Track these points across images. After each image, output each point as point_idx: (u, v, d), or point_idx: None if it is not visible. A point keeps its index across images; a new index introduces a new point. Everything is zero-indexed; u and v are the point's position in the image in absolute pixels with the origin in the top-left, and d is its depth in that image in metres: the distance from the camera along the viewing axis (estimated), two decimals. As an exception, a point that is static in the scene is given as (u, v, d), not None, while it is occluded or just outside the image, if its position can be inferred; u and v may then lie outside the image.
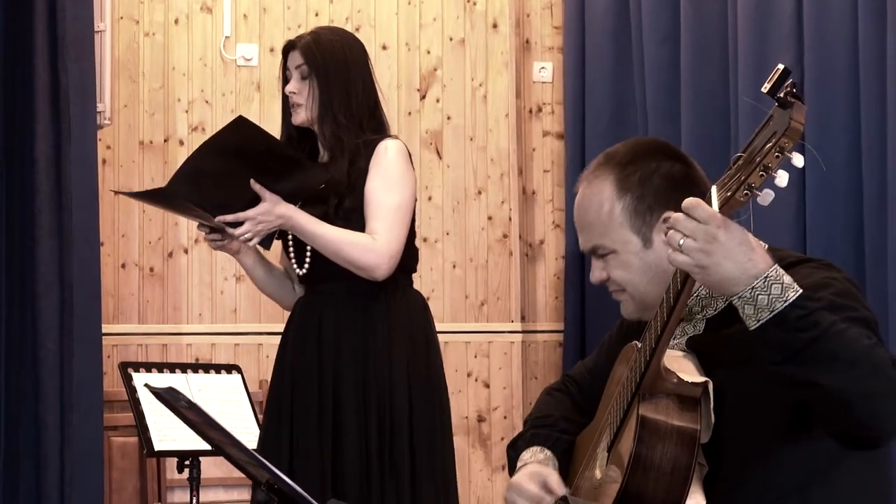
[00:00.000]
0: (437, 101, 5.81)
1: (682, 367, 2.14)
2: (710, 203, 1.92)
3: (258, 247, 3.59)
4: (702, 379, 2.11)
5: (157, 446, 3.99)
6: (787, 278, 1.92)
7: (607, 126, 5.65)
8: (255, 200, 3.45)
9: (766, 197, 1.88)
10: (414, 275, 3.68)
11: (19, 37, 4.54)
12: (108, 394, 4.89)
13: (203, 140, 3.54)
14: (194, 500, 4.04)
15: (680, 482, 2.06)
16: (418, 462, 3.51)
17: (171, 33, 5.55)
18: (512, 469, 2.46)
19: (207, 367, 4.35)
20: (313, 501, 2.11)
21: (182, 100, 5.54)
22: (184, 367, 4.26)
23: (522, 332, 5.85)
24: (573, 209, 2.36)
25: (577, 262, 5.71)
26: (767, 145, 1.85)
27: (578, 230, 2.32)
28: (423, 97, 5.79)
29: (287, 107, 3.64)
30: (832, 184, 4.39)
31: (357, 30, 5.59)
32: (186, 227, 5.39)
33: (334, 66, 3.56)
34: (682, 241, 1.92)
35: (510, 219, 5.85)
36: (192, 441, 3.76)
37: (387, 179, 3.52)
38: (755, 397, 2.11)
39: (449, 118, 5.82)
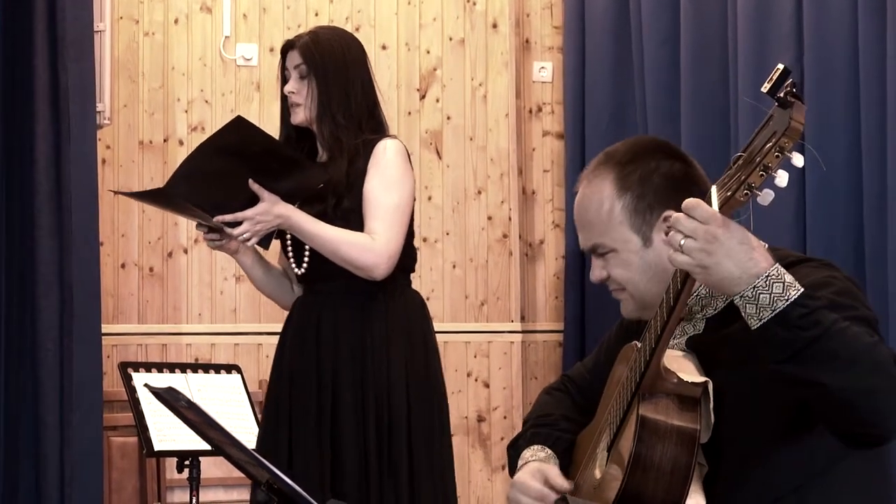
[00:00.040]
0: (437, 100, 5.81)
1: (682, 366, 2.14)
2: (709, 203, 1.92)
3: (257, 246, 3.59)
4: (702, 379, 2.11)
5: (157, 446, 3.99)
6: (789, 277, 1.92)
7: (607, 126, 5.65)
8: (254, 200, 3.45)
9: (766, 197, 1.88)
10: (412, 275, 3.68)
11: (19, 37, 4.55)
12: (108, 394, 4.89)
13: (202, 140, 3.54)
14: (194, 500, 4.04)
15: (680, 482, 2.06)
16: (416, 461, 3.51)
17: (171, 33, 5.55)
18: (512, 469, 2.46)
19: (207, 367, 4.35)
20: (313, 501, 2.11)
21: (182, 99, 5.54)
22: (183, 367, 4.26)
23: (522, 332, 5.85)
24: (573, 208, 2.36)
25: (577, 262, 5.71)
26: (767, 145, 1.85)
27: (578, 229, 2.33)
28: (422, 97, 5.79)
29: (286, 107, 3.64)
30: (832, 184, 4.39)
31: (357, 30, 5.59)
32: (186, 228, 5.39)
33: (333, 65, 3.56)
34: (682, 242, 1.92)
35: (510, 219, 5.85)
36: (191, 441, 3.76)
37: (385, 179, 3.52)
38: (755, 397, 2.11)
39: (449, 118, 5.82)
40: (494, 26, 5.88)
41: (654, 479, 2.06)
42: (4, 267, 4.53)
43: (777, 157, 1.85)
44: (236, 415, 4.12)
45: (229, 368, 4.31)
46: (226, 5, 5.58)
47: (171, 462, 4.26)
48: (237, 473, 2.69)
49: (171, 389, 2.27)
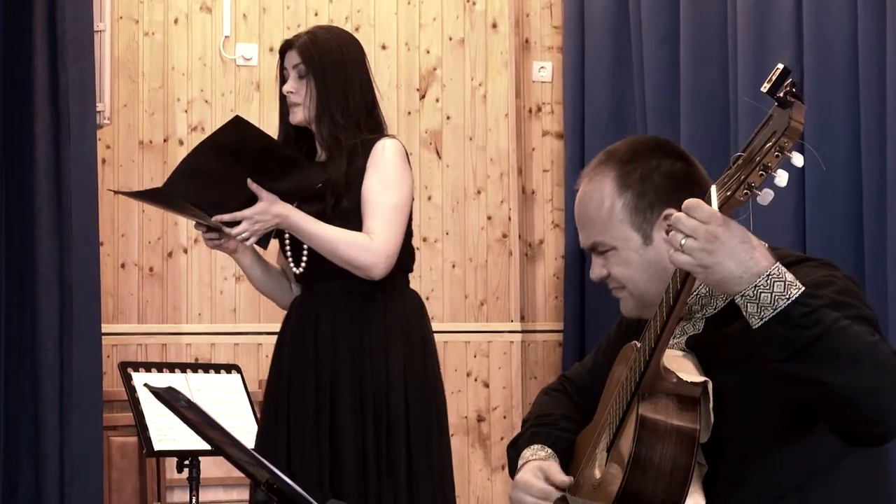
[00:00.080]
0: (437, 100, 5.81)
1: (682, 366, 2.14)
2: (709, 203, 1.92)
3: (255, 246, 3.60)
4: (701, 379, 2.11)
5: (157, 446, 3.99)
6: (790, 276, 1.92)
7: (607, 126, 5.65)
8: (252, 200, 3.46)
9: (765, 196, 1.89)
10: (410, 274, 3.68)
11: (19, 37, 4.54)
12: (108, 393, 4.89)
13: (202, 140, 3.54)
14: (194, 500, 4.04)
15: (679, 482, 2.06)
16: (415, 461, 3.51)
17: (171, 33, 5.55)
18: (512, 469, 2.46)
19: (207, 367, 4.35)
20: (313, 501, 2.11)
21: (181, 99, 5.54)
22: (183, 367, 4.26)
23: (522, 331, 5.85)
24: (574, 206, 2.37)
25: (577, 261, 5.71)
26: (767, 145, 1.85)
27: (579, 227, 2.33)
28: (422, 97, 5.79)
29: (284, 106, 3.64)
30: (832, 183, 4.39)
31: (356, 29, 5.59)
32: (186, 227, 5.39)
33: (331, 65, 3.56)
34: (683, 242, 1.92)
35: (510, 218, 5.85)
36: (191, 441, 3.76)
37: (384, 179, 3.52)
38: (755, 397, 2.11)
39: (448, 118, 5.82)
40: (494, 26, 5.88)
41: (653, 478, 2.06)
42: (4, 267, 4.53)
43: (777, 156, 1.85)
44: (236, 415, 4.12)
45: (229, 368, 4.31)
46: (226, 5, 5.58)
47: (171, 462, 4.26)
48: (237, 473, 2.69)
49: (170, 389, 2.27)
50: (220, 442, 2.31)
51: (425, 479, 3.52)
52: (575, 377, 2.61)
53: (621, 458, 2.11)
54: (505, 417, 5.77)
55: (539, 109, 5.98)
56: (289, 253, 3.61)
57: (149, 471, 4.90)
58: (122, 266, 5.44)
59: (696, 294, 2.25)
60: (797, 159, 1.87)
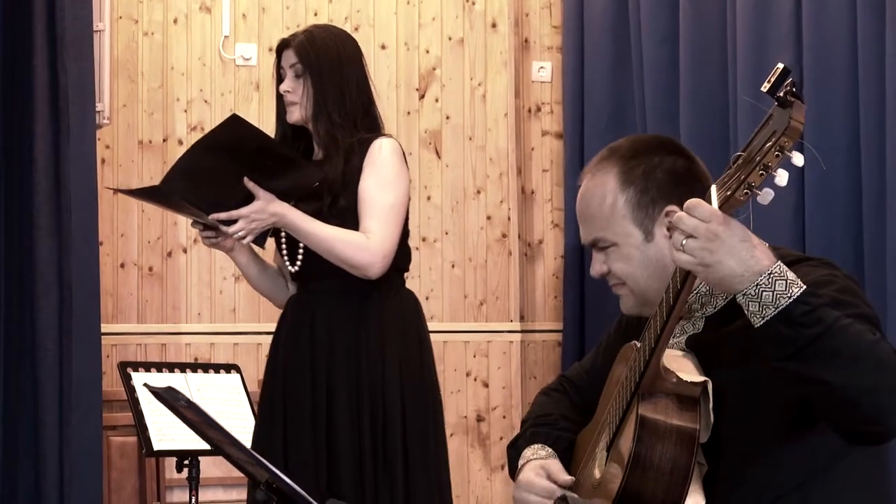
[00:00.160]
0: (436, 100, 5.81)
1: (682, 366, 2.14)
2: (710, 202, 1.93)
3: (252, 245, 3.60)
4: (701, 378, 2.11)
5: (157, 446, 3.99)
6: (791, 275, 1.92)
7: (606, 126, 5.65)
8: (249, 198, 3.46)
9: (765, 196, 1.89)
10: (406, 274, 3.68)
11: (18, 36, 4.54)
12: (107, 393, 4.89)
13: (200, 139, 3.55)
14: (193, 500, 4.04)
15: (679, 482, 2.06)
16: (412, 460, 3.51)
17: (170, 33, 5.54)
18: (513, 468, 2.47)
19: (206, 367, 4.35)
20: (312, 501, 2.11)
21: (181, 99, 5.54)
22: (183, 367, 4.26)
23: (521, 331, 5.85)
24: (575, 203, 2.37)
25: (576, 261, 5.71)
26: (767, 144, 1.85)
27: (580, 223, 2.33)
28: (422, 97, 5.79)
29: (281, 105, 3.64)
30: (831, 183, 4.39)
31: (356, 29, 5.59)
32: (185, 227, 5.38)
33: (328, 64, 3.56)
34: (684, 241, 1.93)
35: (509, 218, 5.85)
36: (191, 440, 3.76)
37: (381, 178, 3.52)
38: (755, 396, 2.11)
39: (448, 118, 5.82)
40: (493, 26, 5.88)
41: (653, 478, 2.06)
42: (4, 266, 4.52)
43: (777, 156, 1.85)
44: (235, 414, 4.12)
45: (228, 368, 4.31)
46: (225, 5, 5.58)
47: (171, 462, 4.26)
48: (236, 473, 2.69)
49: (170, 389, 2.27)
50: (220, 442, 2.31)
51: (422, 479, 3.52)
52: (574, 377, 2.61)
53: (621, 458, 2.12)
54: (504, 417, 5.77)
55: (538, 109, 5.98)
56: (285, 251, 3.61)
57: (148, 471, 4.90)
58: (122, 266, 5.44)
59: (696, 293, 2.25)
60: (797, 159, 1.87)
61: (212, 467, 4.53)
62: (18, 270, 4.51)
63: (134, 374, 4.04)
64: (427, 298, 5.59)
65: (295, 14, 5.65)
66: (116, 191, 4.23)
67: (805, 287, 1.92)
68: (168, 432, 3.98)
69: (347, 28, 4.94)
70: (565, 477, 2.33)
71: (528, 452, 2.43)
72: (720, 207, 1.91)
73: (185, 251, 5.49)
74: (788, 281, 1.91)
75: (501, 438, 5.67)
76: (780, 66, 1.87)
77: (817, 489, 2.11)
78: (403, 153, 3.62)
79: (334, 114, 3.54)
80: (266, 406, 3.59)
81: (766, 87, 1.87)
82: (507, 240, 5.84)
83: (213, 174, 3.43)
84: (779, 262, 1.93)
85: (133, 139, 5.48)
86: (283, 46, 3.64)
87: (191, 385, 4.14)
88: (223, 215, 3.46)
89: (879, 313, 2.14)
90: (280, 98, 3.64)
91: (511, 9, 5.90)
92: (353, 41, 3.67)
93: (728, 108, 4.88)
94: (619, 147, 2.32)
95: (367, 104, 3.62)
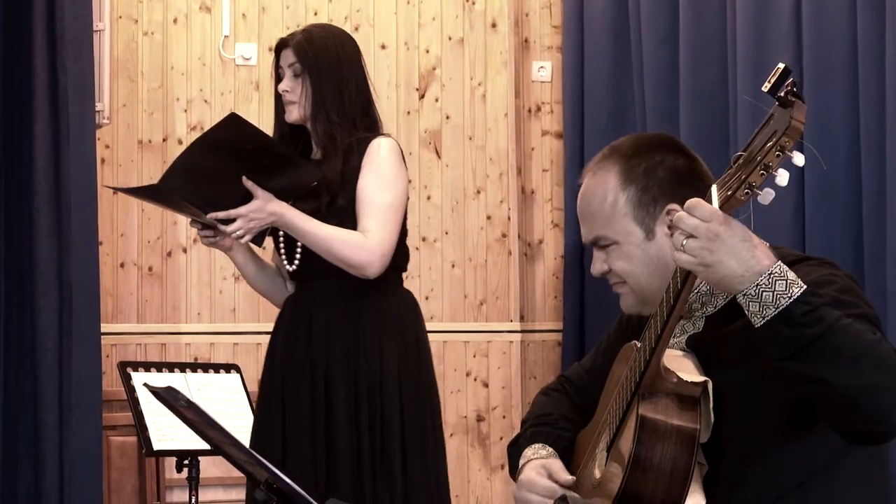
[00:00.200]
0: (436, 100, 5.80)
1: (682, 366, 2.14)
2: (710, 202, 1.92)
3: (250, 244, 3.60)
4: (701, 378, 2.11)
5: (156, 446, 3.99)
6: (791, 274, 1.92)
7: (606, 125, 5.65)
8: (248, 197, 3.46)
9: (766, 196, 1.89)
10: (405, 274, 3.68)
11: (18, 36, 4.54)
12: (107, 393, 4.89)
13: (199, 138, 3.55)
14: (193, 500, 4.04)
15: (679, 482, 2.06)
16: (410, 460, 3.51)
17: (170, 33, 5.54)
18: (513, 468, 2.46)
19: (206, 367, 4.35)
20: (312, 501, 2.11)
21: (181, 99, 5.53)
22: (183, 367, 4.26)
23: (521, 331, 5.85)
24: (575, 203, 2.37)
25: (576, 261, 5.71)
26: (768, 144, 1.85)
27: (581, 221, 2.33)
28: (422, 96, 5.79)
29: (280, 104, 3.65)
30: (831, 182, 4.39)
31: (356, 29, 5.59)
32: (185, 227, 5.38)
33: (327, 63, 3.56)
34: (684, 241, 1.92)
35: (509, 218, 5.85)
36: (191, 440, 3.76)
37: (379, 178, 3.52)
38: (755, 396, 2.11)
39: (448, 117, 5.81)
40: (493, 26, 5.88)
41: (653, 479, 2.06)
42: (4, 266, 4.52)
43: (778, 156, 1.85)
44: (235, 414, 4.12)
45: (228, 368, 4.31)
46: (225, 5, 5.58)
47: (171, 461, 4.26)
48: (236, 473, 2.69)
49: (170, 389, 2.27)
50: (220, 441, 2.31)
51: (420, 478, 3.52)
52: (574, 377, 2.61)
53: (621, 458, 2.11)
54: (504, 417, 5.77)
55: (538, 109, 5.98)
56: (283, 250, 3.61)
57: (148, 470, 4.90)
58: (122, 266, 5.44)
59: (697, 292, 2.25)
60: (798, 159, 1.87)
61: (212, 467, 4.53)
62: (18, 270, 4.51)
63: (134, 374, 4.04)
64: (427, 298, 5.59)
65: (295, 14, 5.65)
66: (116, 190, 4.23)
67: (805, 287, 1.92)
68: (168, 432, 3.98)
69: (347, 28, 4.94)
70: (566, 476, 2.33)
71: (529, 452, 2.43)
72: (721, 207, 1.91)
73: (184, 251, 5.49)
74: (789, 281, 1.91)
75: (501, 438, 5.67)
76: (781, 65, 1.87)
77: (817, 489, 2.10)
78: (402, 153, 3.62)
79: (333, 113, 3.54)
80: (264, 405, 3.59)
81: (766, 86, 1.87)
82: (507, 240, 5.84)
83: (212, 173, 3.43)
84: (779, 261, 1.93)
85: (133, 139, 5.48)
86: (281, 46, 3.64)
87: (191, 385, 4.14)
88: (221, 214, 3.46)
89: (879, 313, 2.14)
90: (279, 97, 3.64)
91: (511, 9, 5.90)
92: (351, 41, 3.67)
93: (728, 108, 4.88)
94: (621, 145, 2.32)
95: (366, 104, 3.62)
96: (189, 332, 5.47)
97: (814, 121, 4.28)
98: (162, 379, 4.04)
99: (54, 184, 4.51)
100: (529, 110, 5.97)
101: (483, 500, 5.73)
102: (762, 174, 1.86)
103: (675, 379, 2.10)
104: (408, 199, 3.63)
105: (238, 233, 3.47)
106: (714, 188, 1.94)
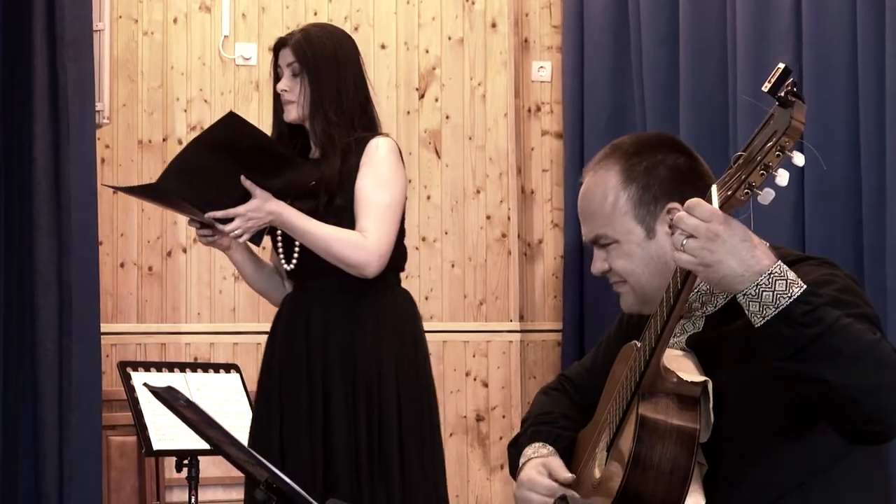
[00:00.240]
0: (436, 100, 5.80)
1: (682, 366, 2.14)
2: (710, 202, 1.92)
3: (248, 243, 3.60)
4: (701, 378, 2.11)
5: (156, 445, 3.99)
6: (791, 274, 1.92)
7: (606, 125, 5.65)
8: (246, 197, 3.46)
9: (766, 196, 1.89)
10: (402, 273, 3.68)
11: (18, 36, 4.55)
12: (107, 393, 4.89)
13: (198, 138, 3.55)
14: (193, 500, 4.04)
15: (679, 481, 2.06)
16: (408, 460, 3.51)
17: (170, 32, 5.54)
18: (513, 467, 2.46)
19: (206, 367, 4.35)
20: (312, 501, 2.11)
21: (181, 99, 5.53)
22: (182, 367, 4.26)
23: (521, 331, 5.85)
24: (575, 203, 2.37)
25: (576, 261, 5.71)
26: (768, 144, 1.85)
27: (582, 220, 2.33)
28: (421, 96, 5.79)
29: (278, 104, 3.65)
30: (831, 182, 4.39)
31: (356, 29, 5.59)
32: (185, 227, 5.38)
33: (325, 63, 3.56)
34: (684, 241, 1.93)
35: (509, 218, 5.85)
36: (190, 440, 3.76)
37: (377, 177, 3.52)
38: (755, 396, 2.11)
39: (448, 117, 5.81)
40: (493, 26, 5.88)
41: (653, 478, 2.06)
42: (3, 266, 4.53)
43: (778, 156, 1.85)
44: (235, 414, 4.12)
45: (228, 368, 4.31)
46: (225, 5, 5.58)
47: (170, 461, 4.26)
48: (236, 472, 2.69)
49: (170, 389, 2.27)
50: (220, 441, 2.31)
51: (418, 477, 3.52)
52: (574, 376, 2.61)
53: (621, 458, 2.11)
54: (504, 417, 5.77)
55: (538, 109, 5.98)
56: (280, 250, 3.61)
57: (148, 470, 4.90)
58: (122, 265, 5.44)
59: (697, 291, 2.25)
60: (798, 158, 1.87)
61: (211, 467, 4.53)
62: (18, 270, 4.52)
63: (133, 374, 4.04)
64: (427, 298, 5.59)
65: (295, 14, 5.65)
66: (114, 189, 4.23)
67: (805, 287, 1.92)
68: (168, 432, 3.98)
69: (347, 28, 4.94)
70: (566, 474, 2.33)
71: (529, 451, 2.43)
72: (721, 207, 1.91)
73: (184, 251, 5.49)
74: (789, 281, 1.91)
75: (501, 438, 5.67)
76: (781, 65, 1.87)
77: (818, 489, 2.11)
78: (400, 152, 3.62)
79: (331, 112, 3.54)
80: (262, 404, 3.60)
81: (766, 86, 1.87)
82: (507, 239, 5.84)
83: (210, 172, 3.43)
84: (779, 261, 1.93)
85: (133, 139, 5.48)
86: (280, 45, 3.64)
87: (190, 385, 4.14)
88: (220, 214, 3.46)
89: (879, 312, 2.14)
90: (277, 97, 3.65)
91: (511, 9, 5.90)
92: (350, 40, 3.67)
93: (728, 108, 4.88)
94: (622, 144, 2.32)
95: (365, 103, 3.62)
96: (189, 332, 5.47)
97: (814, 120, 4.29)
98: (162, 379, 4.04)
99: (54, 184, 4.51)
100: (529, 110, 5.97)
101: (483, 499, 5.73)
102: (762, 174, 1.86)
103: (675, 379, 2.10)
104: (406, 198, 3.63)
105: (236, 232, 3.47)
106: (714, 188, 1.94)
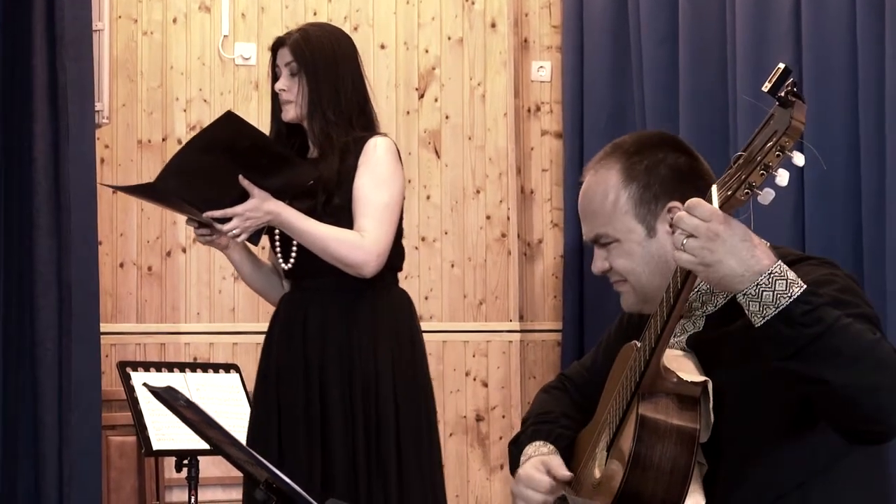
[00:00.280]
0: (436, 100, 5.80)
1: (682, 366, 2.14)
2: (710, 202, 1.93)
3: (246, 242, 3.60)
4: (701, 378, 2.11)
5: (156, 445, 3.99)
6: (791, 274, 1.92)
7: (606, 125, 5.65)
8: (244, 196, 3.46)
9: (766, 196, 1.89)
10: (400, 273, 3.68)
11: (18, 36, 4.55)
12: (107, 393, 4.89)
13: (198, 138, 3.55)
14: (193, 500, 4.04)
15: (679, 481, 2.06)
16: (405, 460, 3.51)
17: (170, 32, 5.54)
18: (514, 466, 2.46)
19: (206, 367, 4.35)
20: (312, 501, 2.11)
21: (180, 99, 5.53)
22: (182, 367, 4.27)
23: (521, 331, 5.85)
24: (575, 203, 2.37)
25: (576, 261, 5.71)
26: (768, 144, 1.85)
27: (582, 219, 2.33)
28: (421, 96, 5.79)
29: (277, 103, 3.65)
30: (831, 182, 4.39)
31: (355, 29, 5.59)
32: (184, 227, 5.36)
33: (323, 62, 3.56)
34: (684, 241, 1.93)
35: (508, 218, 5.85)
36: (190, 440, 3.76)
37: (376, 177, 3.52)
38: (755, 396, 2.11)
39: (447, 117, 5.81)
40: (493, 26, 5.88)
41: (653, 478, 2.06)
42: (3, 266, 4.53)
43: (778, 156, 1.85)
44: (235, 414, 4.12)
45: (228, 368, 4.31)
46: (224, 4, 5.58)
47: (170, 461, 4.26)
48: (236, 472, 2.69)
49: (169, 389, 2.27)
50: (219, 441, 2.31)
51: (416, 479, 3.52)
52: (574, 375, 2.61)
53: (621, 458, 2.11)
54: (504, 417, 5.77)
55: (538, 109, 5.98)
56: (278, 249, 3.61)
57: (147, 470, 4.90)
58: (121, 265, 5.44)
59: (697, 291, 2.25)
60: (798, 159, 1.87)
61: (211, 467, 4.53)
62: (18, 270, 4.52)
63: (133, 374, 4.04)
64: (426, 298, 5.59)
65: (294, 13, 5.65)
66: (113, 189, 4.23)
67: (805, 286, 1.92)
68: (167, 432, 3.98)
69: (346, 28, 4.94)
70: (565, 472, 2.33)
71: (530, 449, 2.43)
72: (721, 207, 1.91)
73: (184, 251, 5.49)
74: (789, 280, 1.91)
75: (501, 438, 5.67)
76: (781, 65, 1.87)
77: (818, 489, 2.11)
78: (398, 152, 3.62)
79: (329, 112, 3.54)
80: (260, 404, 3.59)
81: (767, 86, 1.87)
82: (507, 239, 5.84)
83: (208, 172, 3.43)
84: (779, 261, 1.93)
85: (132, 139, 5.48)
86: (278, 45, 3.64)
87: (190, 385, 4.14)
88: (218, 213, 3.46)
89: (879, 313, 2.14)
90: (275, 96, 3.65)
91: (510, 8, 5.90)
92: (348, 39, 3.67)
93: (728, 108, 4.88)
94: (623, 143, 2.32)
95: (363, 102, 3.62)
96: (188, 332, 5.47)
97: (813, 121, 4.29)
98: (161, 379, 4.04)
99: (54, 183, 4.51)
100: (529, 110, 5.97)
101: (482, 499, 5.73)
102: (762, 174, 1.86)
103: (675, 378, 2.10)
104: (404, 198, 3.63)
105: (234, 231, 3.47)
106: (714, 188, 1.94)
